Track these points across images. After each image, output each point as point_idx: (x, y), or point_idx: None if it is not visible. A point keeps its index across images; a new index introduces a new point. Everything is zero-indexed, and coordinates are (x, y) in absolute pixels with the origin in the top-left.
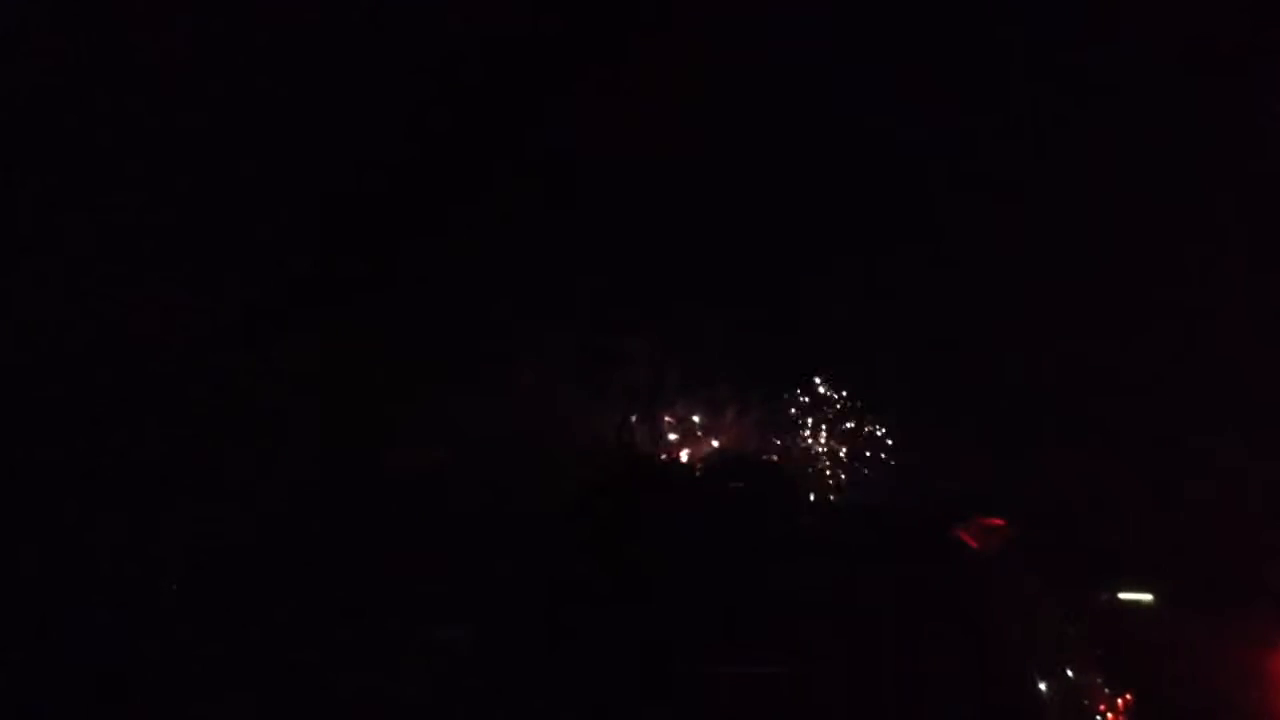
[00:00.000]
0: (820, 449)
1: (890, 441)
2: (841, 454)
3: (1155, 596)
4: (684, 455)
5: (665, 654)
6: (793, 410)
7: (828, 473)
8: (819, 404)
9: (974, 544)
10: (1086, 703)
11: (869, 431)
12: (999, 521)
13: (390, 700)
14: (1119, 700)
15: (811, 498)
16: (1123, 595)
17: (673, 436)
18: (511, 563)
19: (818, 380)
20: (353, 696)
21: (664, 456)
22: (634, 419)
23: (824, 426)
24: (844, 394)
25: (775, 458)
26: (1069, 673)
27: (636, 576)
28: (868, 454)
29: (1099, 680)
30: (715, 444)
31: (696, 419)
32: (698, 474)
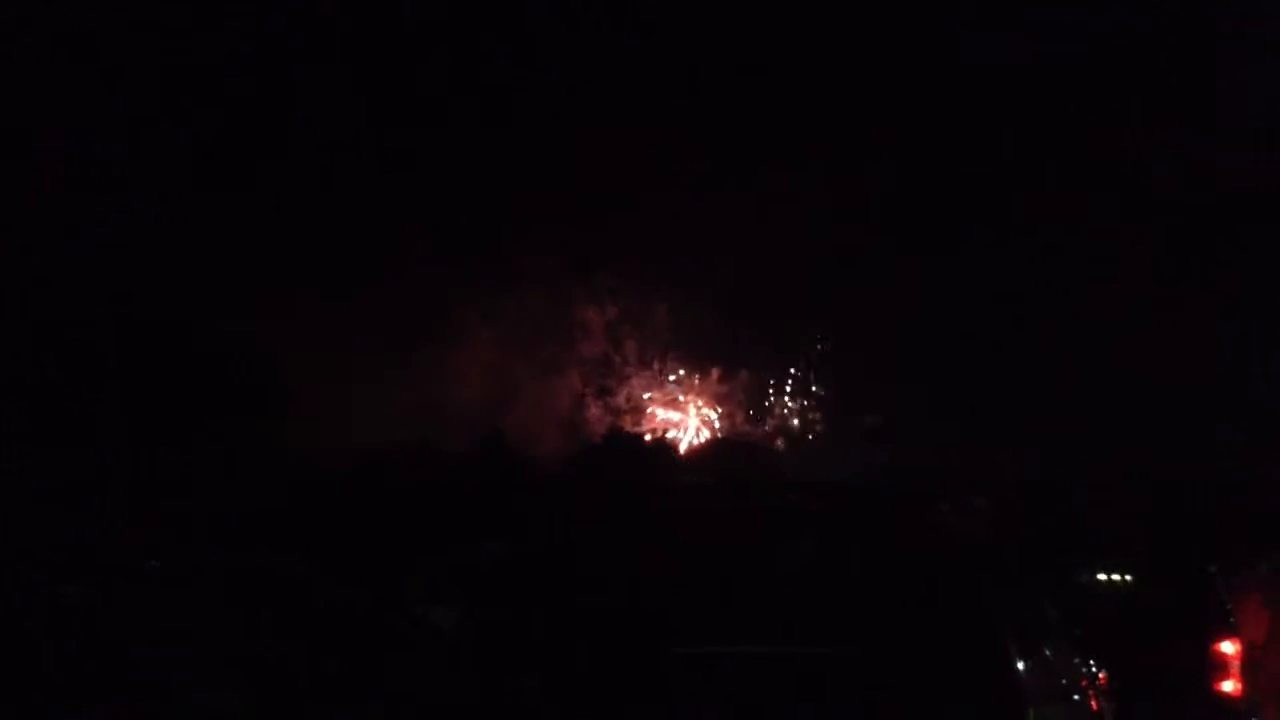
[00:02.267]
0: (794, 424)
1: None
2: (818, 429)
3: (1134, 577)
4: (647, 432)
5: (653, 634)
6: (767, 388)
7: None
8: (788, 381)
9: (955, 522)
10: (1065, 681)
11: (841, 411)
12: (980, 500)
13: (375, 684)
14: (1098, 678)
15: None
16: (1101, 576)
17: (628, 414)
18: (499, 542)
19: (802, 373)
20: (336, 679)
21: (648, 438)
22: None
23: (796, 403)
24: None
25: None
26: (1047, 651)
27: (625, 557)
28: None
29: (1077, 660)
30: (675, 421)
31: (652, 395)
32: (678, 454)
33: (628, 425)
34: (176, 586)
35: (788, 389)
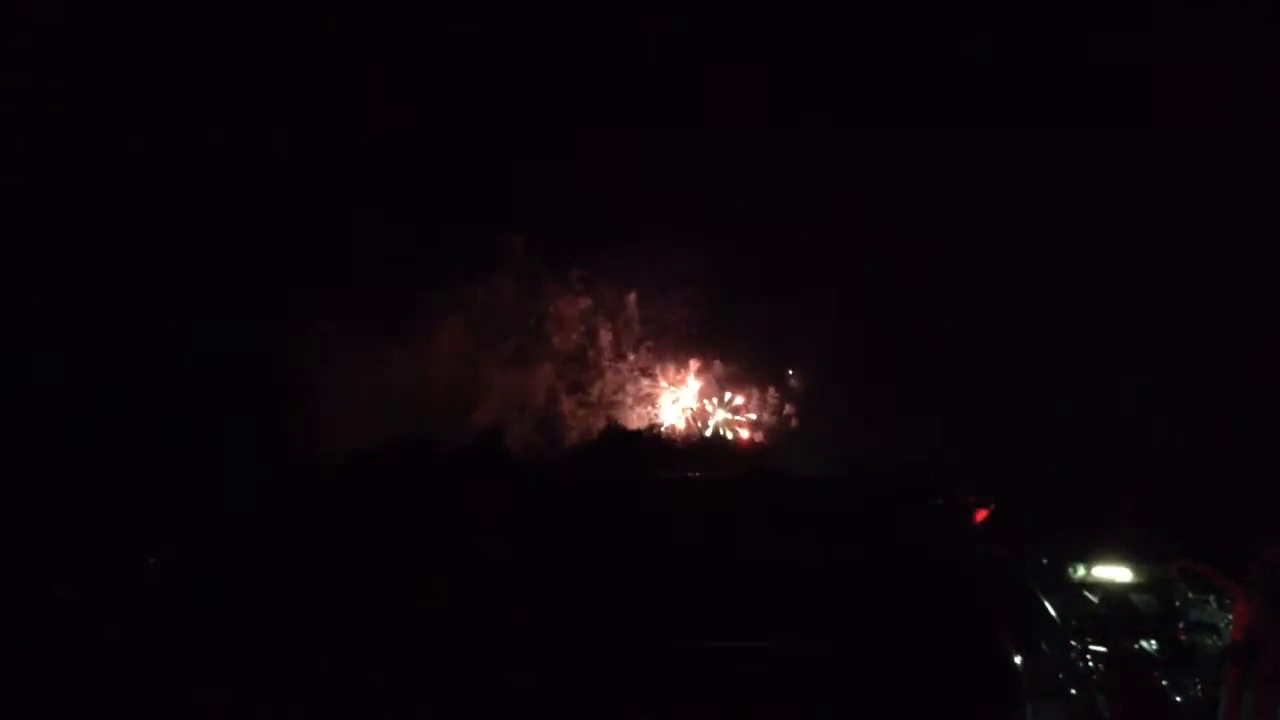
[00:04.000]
0: (767, 417)
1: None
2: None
3: (1132, 570)
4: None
5: (650, 629)
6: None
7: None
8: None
9: (955, 517)
10: (1063, 676)
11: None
12: (979, 495)
13: (364, 678)
14: (1092, 674)
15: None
16: (1096, 571)
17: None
18: (494, 537)
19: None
20: (327, 675)
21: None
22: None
23: (771, 396)
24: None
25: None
26: (1045, 647)
27: (623, 553)
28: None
29: (1072, 655)
30: (650, 413)
31: (631, 388)
32: (672, 449)
33: (602, 419)
34: (171, 583)
35: (771, 393)
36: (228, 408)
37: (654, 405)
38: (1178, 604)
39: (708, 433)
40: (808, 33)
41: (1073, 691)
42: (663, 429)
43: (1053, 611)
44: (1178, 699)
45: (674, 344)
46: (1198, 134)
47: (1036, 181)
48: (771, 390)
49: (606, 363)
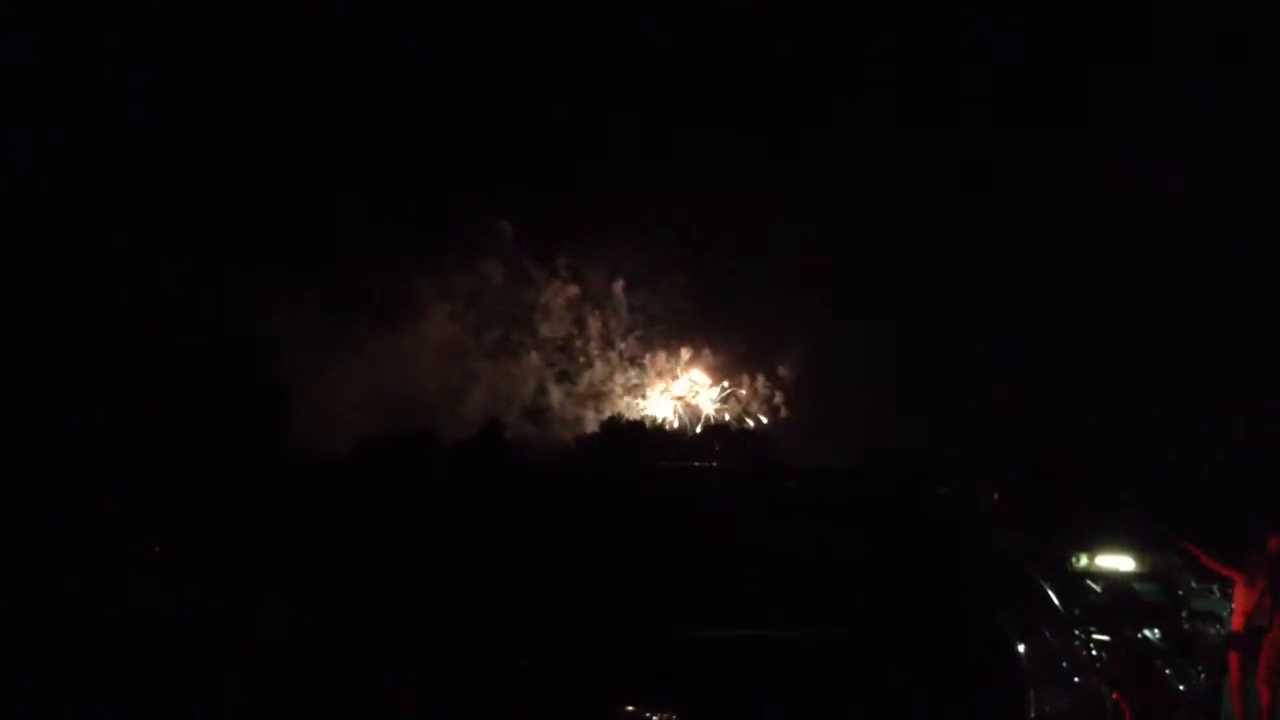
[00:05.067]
0: (758, 407)
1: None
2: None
3: (1135, 559)
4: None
5: (653, 618)
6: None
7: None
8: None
9: (958, 506)
10: (1065, 664)
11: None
12: (981, 486)
13: (365, 671)
14: (1095, 662)
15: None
16: (1100, 560)
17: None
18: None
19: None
20: (330, 669)
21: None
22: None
23: (762, 386)
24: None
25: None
26: (1046, 634)
27: (625, 542)
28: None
29: (1075, 643)
30: (640, 403)
31: (620, 377)
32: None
33: (592, 409)
34: (175, 575)
35: (761, 382)
36: (218, 398)
37: (643, 395)
38: (1181, 593)
39: (699, 424)
40: (804, 23)
41: (1075, 679)
42: (656, 419)
43: (1055, 599)
44: (1181, 687)
45: (663, 333)
46: (1201, 135)
47: (1037, 179)
48: (761, 379)
49: (595, 352)
